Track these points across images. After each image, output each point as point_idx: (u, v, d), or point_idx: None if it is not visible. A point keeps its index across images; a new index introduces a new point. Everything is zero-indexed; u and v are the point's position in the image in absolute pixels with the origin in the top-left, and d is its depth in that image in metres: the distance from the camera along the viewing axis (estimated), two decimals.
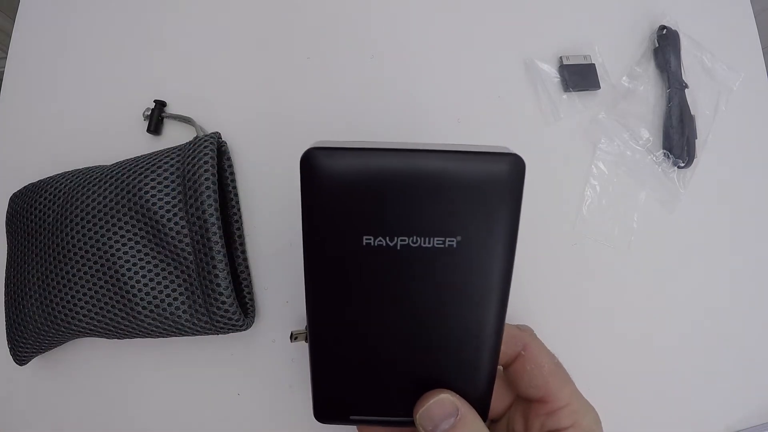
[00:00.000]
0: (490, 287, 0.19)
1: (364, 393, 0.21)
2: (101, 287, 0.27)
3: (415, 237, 0.18)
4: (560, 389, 0.22)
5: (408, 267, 0.18)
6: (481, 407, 0.21)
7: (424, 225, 0.18)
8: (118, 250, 0.27)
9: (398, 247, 0.18)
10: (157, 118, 0.33)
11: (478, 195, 0.18)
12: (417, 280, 0.19)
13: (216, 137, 0.29)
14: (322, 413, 0.22)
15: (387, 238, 0.18)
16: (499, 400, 0.25)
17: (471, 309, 0.19)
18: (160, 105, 0.33)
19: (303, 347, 0.22)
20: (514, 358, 0.23)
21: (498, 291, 0.19)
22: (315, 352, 0.21)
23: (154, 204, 0.27)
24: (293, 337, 0.25)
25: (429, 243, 0.18)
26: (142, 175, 0.28)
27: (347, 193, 0.18)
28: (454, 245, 0.18)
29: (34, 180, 0.31)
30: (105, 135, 0.34)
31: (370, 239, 0.18)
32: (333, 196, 0.18)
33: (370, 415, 0.21)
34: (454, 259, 0.18)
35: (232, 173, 0.32)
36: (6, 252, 0.31)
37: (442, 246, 0.18)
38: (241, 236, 0.31)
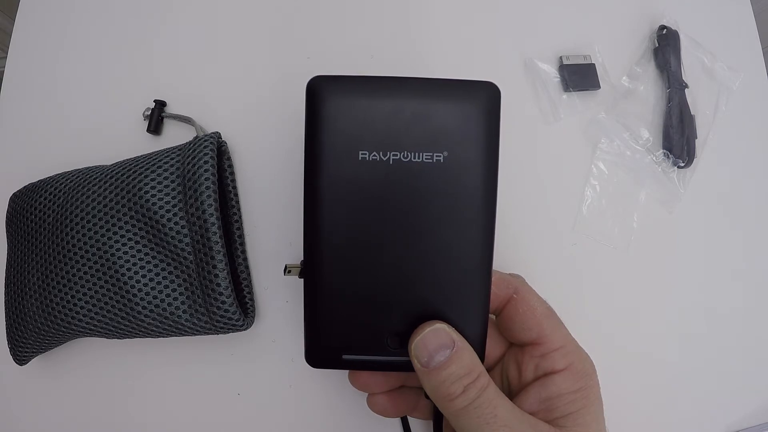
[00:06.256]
0: (477, 201, 0.20)
1: (357, 330, 0.21)
2: (101, 287, 0.27)
3: (406, 152, 0.20)
4: (554, 331, 0.22)
5: (400, 180, 0.20)
6: (477, 345, 0.21)
7: (413, 141, 0.20)
8: (118, 250, 0.27)
9: (391, 162, 0.20)
10: (157, 118, 0.33)
11: (461, 115, 0.20)
12: (409, 193, 0.20)
13: (216, 137, 0.29)
14: (314, 356, 0.22)
15: (380, 153, 0.20)
16: (491, 349, 0.25)
17: (460, 227, 0.20)
18: (160, 105, 0.33)
19: (302, 346, 0.22)
20: (506, 302, 0.23)
21: (484, 207, 0.20)
22: (309, 285, 0.21)
23: (154, 204, 0.27)
24: (287, 270, 0.25)
25: (419, 158, 0.20)
26: (142, 175, 0.28)
27: (346, 114, 0.20)
28: (441, 160, 0.20)
29: (34, 180, 0.31)
30: (105, 135, 0.34)
31: (365, 154, 0.20)
32: (333, 116, 0.20)
33: (363, 354, 0.22)
34: (442, 172, 0.20)
35: (232, 173, 0.32)
36: (6, 252, 0.31)
37: (431, 161, 0.20)
38: (241, 236, 0.31)
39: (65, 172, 0.31)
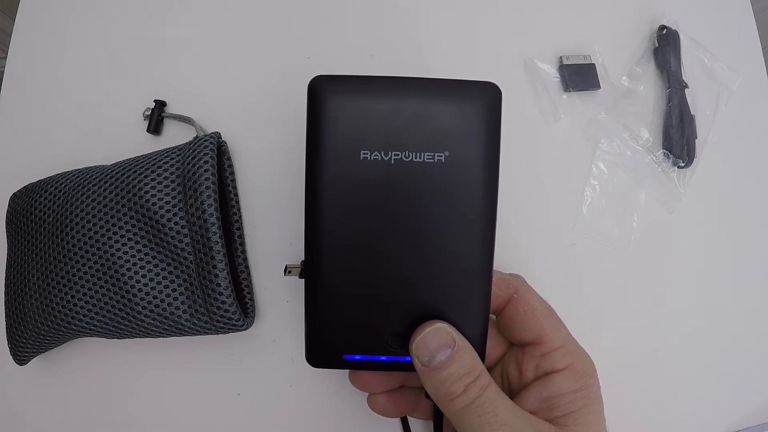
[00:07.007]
0: (478, 201, 0.20)
1: (358, 329, 0.21)
2: (101, 287, 0.27)
3: (407, 152, 0.20)
4: (554, 330, 0.22)
5: (401, 179, 0.20)
6: (478, 344, 0.21)
7: (415, 141, 0.20)
8: (118, 250, 0.27)
9: (392, 161, 0.20)
10: (157, 118, 0.33)
11: (462, 115, 0.20)
12: (410, 193, 0.20)
13: (216, 137, 0.29)
14: (314, 356, 0.22)
15: (382, 153, 0.20)
16: (492, 349, 0.25)
17: (461, 227, 0.20)
18: (160, 105, 0.33)
19: (302, 347, 0.23)
20: (507, 302, 0.23)
21: (485, 207, 0.20)
22: (309, 285, 0.21)
23: (154, 204, 0.27)
24: (287, 270, 0.25)
25: (420, 158, 0.20)
26: (142, 175, 0.28)
27: (347, 114, 0.20)
28: (443, 160, 0.20)
29: (34, 180, 0.31)
30: (105, 135, 0.34)
31: (366, 154, 0.20)
32: (335, 116, 0.20)
33: (364, 354, 0.22)
34: (443, 172, 0.20)
35: (232, 173, 0.32)
36: (6, 252, 0.31)
37: (432, 161, 0.20)
38: (241, 236, 0.31)
39: (65, 172, 0.31)
